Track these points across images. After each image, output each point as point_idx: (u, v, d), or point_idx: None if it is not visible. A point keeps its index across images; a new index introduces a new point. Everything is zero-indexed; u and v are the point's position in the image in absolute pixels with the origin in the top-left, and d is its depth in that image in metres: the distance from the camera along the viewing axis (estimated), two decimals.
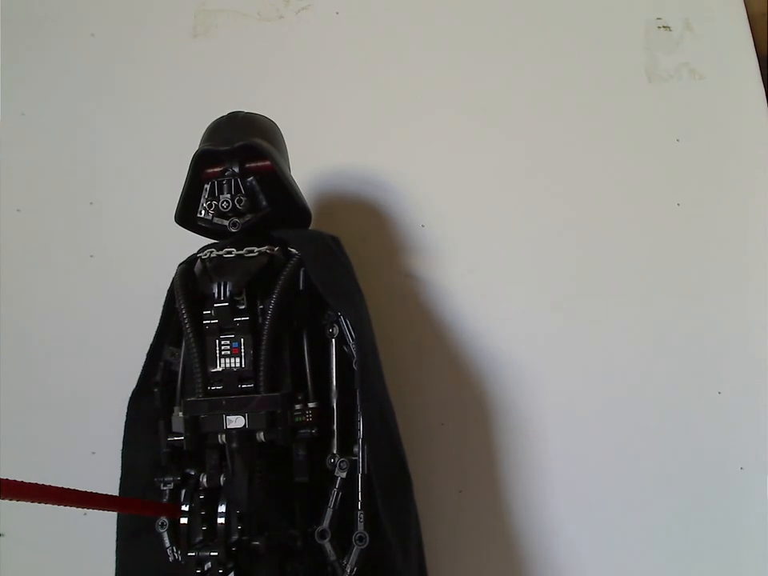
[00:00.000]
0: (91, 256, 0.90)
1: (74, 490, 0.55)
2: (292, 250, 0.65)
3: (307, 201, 0.70)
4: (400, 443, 0.65)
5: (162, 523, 0.63)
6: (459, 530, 0.80)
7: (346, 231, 0.75)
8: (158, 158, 0.92)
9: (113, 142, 0.94)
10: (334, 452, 0.62)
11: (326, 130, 0.92)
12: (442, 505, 0.80)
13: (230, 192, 0.62)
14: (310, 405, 0.61)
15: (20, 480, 0.47)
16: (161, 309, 0.68)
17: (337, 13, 0.96)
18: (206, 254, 0.64)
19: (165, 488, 0.64)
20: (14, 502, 0.47)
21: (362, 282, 0.71)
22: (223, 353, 0.60)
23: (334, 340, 0.65)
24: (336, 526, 0.61)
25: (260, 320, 0.61)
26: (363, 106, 0.92)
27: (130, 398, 0.68)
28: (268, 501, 0.59)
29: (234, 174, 0.62)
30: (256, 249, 0.63)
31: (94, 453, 0.83)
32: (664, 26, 0.89)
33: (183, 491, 0.62)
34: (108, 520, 0.67)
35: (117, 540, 0.67)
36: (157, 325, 0.69)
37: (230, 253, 0.62)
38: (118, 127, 0.94)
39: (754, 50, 0.87)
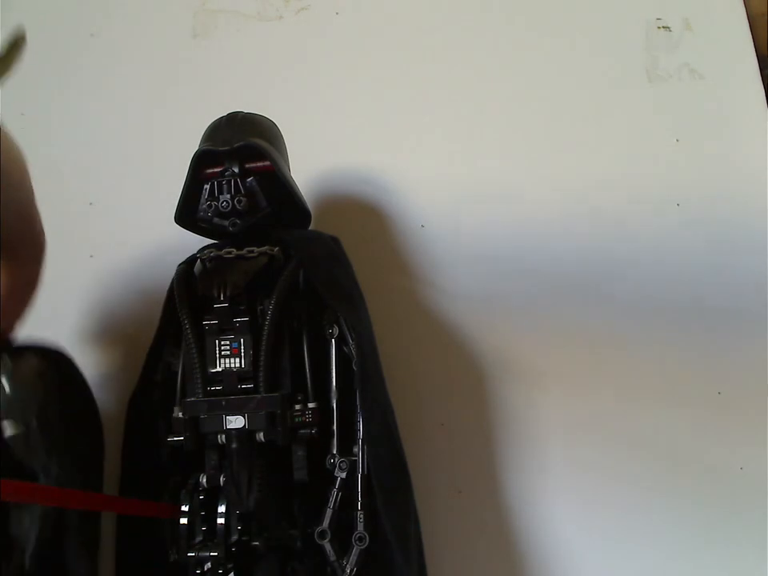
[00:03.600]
0: (91, 256, 0.90)
1: (74, 490, 0.55)
2: (292, 250, 0.65)
3: (307, 201, 0.70)
4: (400, 443, 0.65)
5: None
6: (459, 530, 0.80)
7: (346, 231, 0.75)
8: (158, 158, 0.92)
9: (113, 142, 0.94)
10: (334, 452, 0.62)
11: (326, 130, 0.92)
12: (441, 505, 0.80)
13: (229, 192, 0.62)
14: (310, 405, 0.61)
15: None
16: (161, 309, 0.68)
17: (336, 13, 0.96)
18: (205, 255, 0.64)
19: (165, 488, 0.64)
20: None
21: (361, 282, 0.71)
22: (223, 353, 0.60)
23: (333, 340, 0.65)
24: (336, 527, 0.61)
25: (260, 320, 0.61)
26: (363, 106, 0.92)
27: (130, 398, 0.68)
28: (268, 501, 0.59)
29: (233, 175, 0.62)
30: (256, 249, 0.63)
31: None
32: (664, 26, 0.89)
33: (183, 491, 0.62)
34: (108, 520, 0.67)
35: (117, 540, 0.67)
36: (157, 325, 0.69)
37: (229, 253, 0.62)
38: (118, 127, 0.94)
39: (753, 50, 0.87)
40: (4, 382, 0.57)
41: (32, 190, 0.53)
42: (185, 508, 0.61)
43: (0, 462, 0.55)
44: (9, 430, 0.57)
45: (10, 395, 0.57)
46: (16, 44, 0.48)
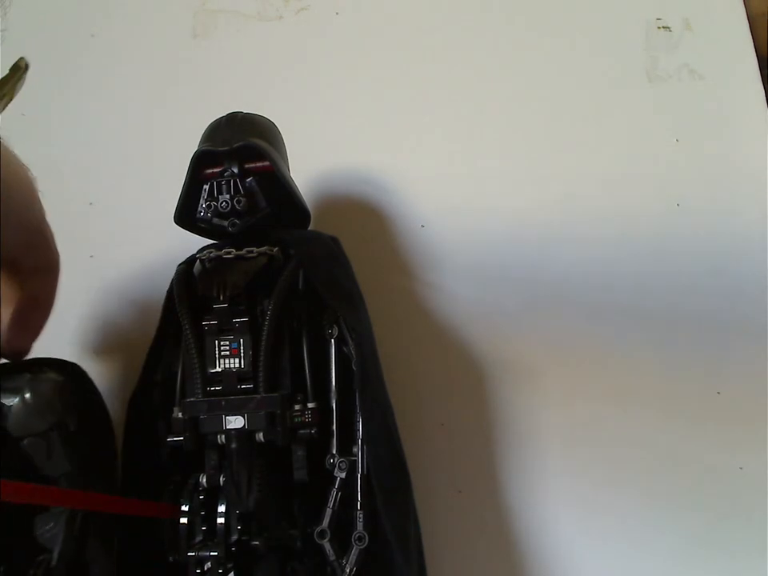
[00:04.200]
0: (91, 256, 0.90)
1: (74, 490, 0.55)
2: (291, 250, 0.65)
3: (307, 201, 0.70)
4: (399, 443, 0.65)
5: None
6: (459, 530, 0.80)
7: (345, 231, 0.75)
8: (158, 158, 0.92)
9: (112, 142, 0.94)
10: (334, 452, 0.62)
11: (326, 130, 0.92)
12: (441, 505, 0.80)
13: (229, 193, 0.62)
14: (310, 405, 0.61)
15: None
16: (161, 309, 0.68)
17: (336, 13, 0.96)
18: (205, 255, 0.64)
19: (165, 488, 0.64)
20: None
21: (361, 282, 0.71)
22: (222, 353, 0.60)
23: (333, 340, 0.65)
24: (335, 526, 0.61)
25: (259, 321, 0.60)
26: (363, 106, 0.92)
27: (130, 398, 0.68)
28: (267, 501, 0.59)
29: (233, 175, 0.62)
30: (255, 249, 0.62)
31: None
32: (664, 27, 0.89)
33: (183, 491, 0.62)
34: None
35: (117, 540, 0.67)
36: (157, 325, 0.69)
37: (229, 253, 0.62)
38: (118, 127, 0.95)
39: (754, 50, 0.87)
40: (24, 394, 0.58)
41: (41, 208, 0.53)
42: (185, 508, 0.61)
43: (22, 471, 0.57)
44: (29, 440, 0.58)
45: (30, 407, 0.58)
46: (17, 68, 0.49)
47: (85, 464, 0.60)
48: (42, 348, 0.86)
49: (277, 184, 0.64)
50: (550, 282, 0.85)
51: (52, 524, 0.57)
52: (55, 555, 0.56)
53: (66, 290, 0.91)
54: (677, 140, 0.87)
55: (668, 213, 0.85)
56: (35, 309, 0.58)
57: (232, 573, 0.59)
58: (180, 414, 0.60)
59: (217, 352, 0.60)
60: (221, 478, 0.60)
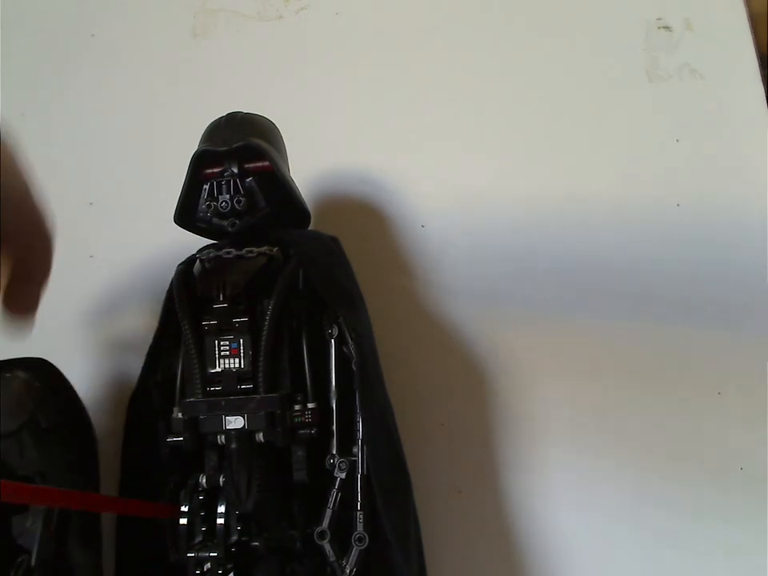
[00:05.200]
0: (91, 256, 0.90)
1: (74, 491, 0.55)
2: (291, 250, 0.65)
3: (307, 201, 0.70)
4: (399, 443, 0.65)
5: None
6: (459, 530, 0.80)
7: (345, 231, 0.75)
8: (158, 158, 0.92)
9: (113, 142, 0.94)
10: (334, 452, 0.62)
11: (325, 130, 0.92)
12: (441, 505, 0.80)
13: (228, 193, 0.62)
14: (310, 405, 0.61)
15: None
16: (160, 309, 0.68)
17: (337, 13, 0.96)
18: (204, 255, 0.64)
19: (164, 489, 0.64)
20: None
21: (361, 282, 0.71)
22: (222, 353, 0.60)
23: (333, 340, 0.65)
24: (335, 527, 0.61)
25: (259, 321, 0.60)
26: (363, 106, 0.92)
27: (130, 398, 0.68)
28: (267, 502, 0.59)
29: (232, 175, 0.62)
30: (255, 249, 0.62)
31: None
32: (664, 27, 0.89)
33: (182, 492, 0.62)
34: (108, 520, 0.67)
35: (116, 540, 0.67)
36: (156, 326, 0.68)
37: (228, 253, 0.62)
38: (118, 127, 0.95)
39: (754, 49, 0.87)
40: None
41: (22, 169, 0.52)
42: (184, 508, 0.61)
43: None
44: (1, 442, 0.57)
45: None
46: None
47: (58, 461, 0.60)
48: (41, 347, 0.86)
49: (276, 184, 0.64)
50: (550, 282, 0.84)
51: (29, 524, 0.56)
52: (33, 555, 0.55)
53: (65, 289, 0.91)
54: (677, 140, 0.86)
55: (668, 213, 0.85)
56: (29, 276, 0.57)
57: (232, 573, 0.59)
58: (180, 415, 0.60)
59: (217, 352, 0.60)
60: (220, 479, 0.60)
